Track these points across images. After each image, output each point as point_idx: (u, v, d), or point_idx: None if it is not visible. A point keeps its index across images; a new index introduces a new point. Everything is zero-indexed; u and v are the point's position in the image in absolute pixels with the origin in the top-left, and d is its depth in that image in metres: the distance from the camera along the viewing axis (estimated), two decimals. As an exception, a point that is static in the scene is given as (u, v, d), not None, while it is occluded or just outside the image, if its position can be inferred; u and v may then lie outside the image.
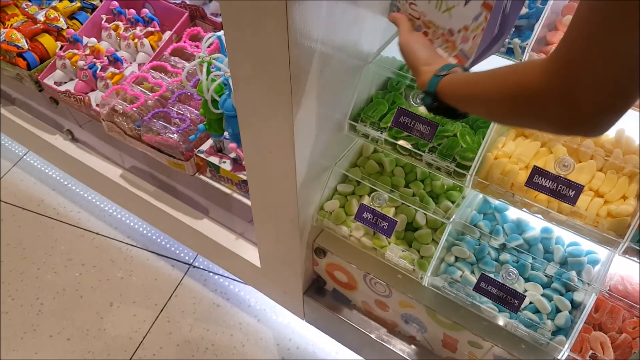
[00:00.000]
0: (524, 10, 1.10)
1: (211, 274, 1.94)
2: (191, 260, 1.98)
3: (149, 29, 1.72)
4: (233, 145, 1.37)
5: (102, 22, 1.74)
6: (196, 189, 1.68)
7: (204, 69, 1.29)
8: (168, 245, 2.04)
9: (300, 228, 1.27)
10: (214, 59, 1.31)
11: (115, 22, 1.74)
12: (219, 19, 1.71)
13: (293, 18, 0.85)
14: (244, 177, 1.41)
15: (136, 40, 1.70)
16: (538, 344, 1.11)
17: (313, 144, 1.15)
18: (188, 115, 1.51)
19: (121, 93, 1.56)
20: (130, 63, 1.71)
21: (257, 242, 1.48)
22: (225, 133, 1.44)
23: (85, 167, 1.86)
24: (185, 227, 1.67)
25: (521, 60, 1.08)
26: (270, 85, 0.98)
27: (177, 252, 2.02)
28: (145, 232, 2.07)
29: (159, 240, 2.05)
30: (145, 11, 1.72)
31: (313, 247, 1.38)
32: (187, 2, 1.73)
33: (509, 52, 1.10)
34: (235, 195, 1.50)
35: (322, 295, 1.51)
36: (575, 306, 1.14)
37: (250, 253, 1.56)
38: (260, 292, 1.69)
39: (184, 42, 1.68)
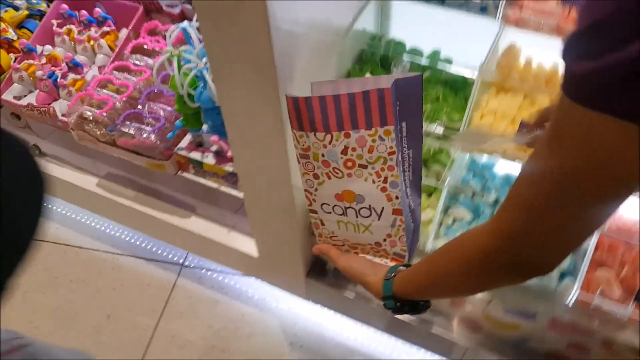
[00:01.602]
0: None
1: (204, 271, 1.91)
2: (181, 261, 1.95)
3: (105, 28, 1.64)
4: (215, 137, 1.34)
5: (54, 28, 1.66)
6: (179, 188, 1.64)
7: (175, 64, 1.25)
8: (154, 249, 2.00)
9: (297, 212, 1.26)
10: (182, 52, 1.27)
11: (68, 26, 1.66)
12: (176, 11, 1.65)
13: (272, 2, 0.82)
14: (230, 169, 1.38)
15: (92, 42, 1.63)
16: (547, 291, 1.14)
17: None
18: (161, 113, 1.46)
19: (87, 99, 1.50)
20: (90, 67, 1.64)
21: (252, 232, 1.46)
22: (204, 127, 1.41)
23: (58, 181, 1.79)
24: (173, 228, 1.64)
25: (496, 18, 1.08)
26: (254, 74, 0.95)
27: (165, 254, 1.98)
28: (128, 239, 2.02)
29: (143, 245, 2.01)
30: (98, 11, 1.64)
31: (310, 229, 1.37)
32: (140, -4, 1.66)
33: (483, 11, 1.10)
34: (222, 188, 1.47)
35: (324, 275, 1.50)
36: (576, 249, 1.17)
37: (246, 244, 1.54)
38: (262, 281, 1.68)
39: (143, 38, 1.62)
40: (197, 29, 1.31)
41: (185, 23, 1.29)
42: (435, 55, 1.30)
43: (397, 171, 0.77)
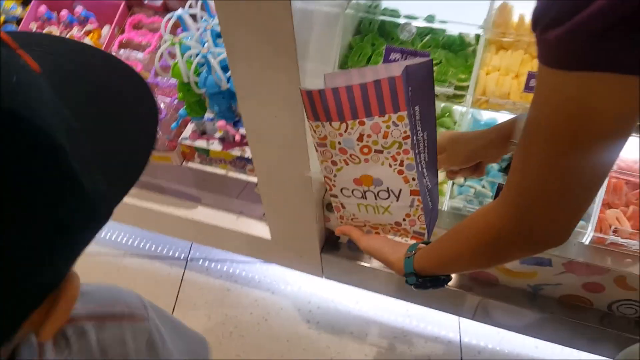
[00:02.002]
0: None
1: (208, 262, 1.91)
2: (184, 255, 1.94)
3: (87, 27, 1.61)
4: (221, 122, 1.34)
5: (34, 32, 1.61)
6: (180, 180, 1.63)
7: (178, 52, 1.24)
8: (154, 247, 1.98)
9: (313, 189, 1.28)
10: (183, 39, 1.26)
11: (48, 29, 1.62)
12: (158, 2, 1.63)
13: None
14: (238, 154, 1.38)
15: (76, 42, 1.59)
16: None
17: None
18: (161, 105, 1.45)
19: (80, 99, 1.47)
20: (76, 67, 1.61)
21: (265, 212, 1.47)
22: (206, 114, 1.40)
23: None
24: (181, 221, 1.63)
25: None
26: (274, 53, 0.96)
27: (165, 251, 1.97)
28: (125, 241, 2.00)
29: (141, 244, 1.99)
30: (79, 10, 1.61)
31: (323, 204, 1.40)
32: (121, -9, 1.64)
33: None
34: (230, 174, 1.47)
35: (338, 250, 1.53)
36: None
37: (258, 228, 1.55)
38: (275, 264, 1.69)
39: (129, 32, 1.60)
40: (191, 15, 1.30)
41: (180, 11, 1.29)
42: (431, 20, 1.33)
43: (412, 154, 0.79)
